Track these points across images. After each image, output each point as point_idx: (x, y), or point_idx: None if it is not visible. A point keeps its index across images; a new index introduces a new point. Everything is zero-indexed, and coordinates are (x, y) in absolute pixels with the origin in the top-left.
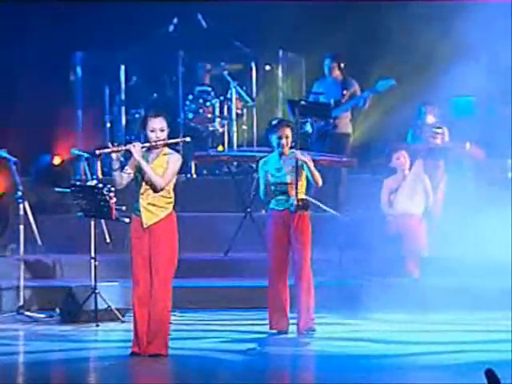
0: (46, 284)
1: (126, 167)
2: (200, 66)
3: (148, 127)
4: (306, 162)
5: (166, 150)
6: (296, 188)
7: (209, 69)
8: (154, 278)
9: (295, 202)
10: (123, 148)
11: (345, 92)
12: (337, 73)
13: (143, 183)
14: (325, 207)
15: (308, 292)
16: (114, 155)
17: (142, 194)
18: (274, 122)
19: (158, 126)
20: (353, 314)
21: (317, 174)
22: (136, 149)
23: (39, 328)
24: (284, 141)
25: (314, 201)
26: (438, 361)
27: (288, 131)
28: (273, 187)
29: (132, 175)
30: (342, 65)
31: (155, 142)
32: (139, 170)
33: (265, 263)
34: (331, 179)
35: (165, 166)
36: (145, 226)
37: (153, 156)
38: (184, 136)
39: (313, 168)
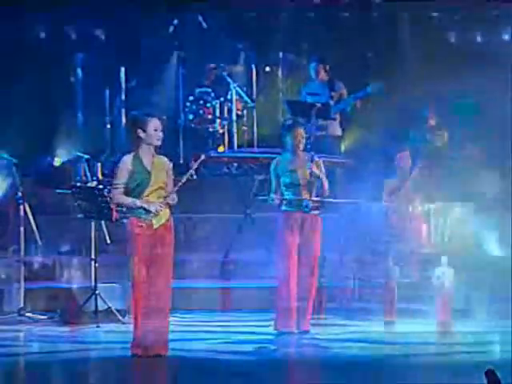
0: (46, 285)
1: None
2: (205, 65)
3: (151, 126)
4: (319, 177)
5: (153, 149)
6: (310, 189)
7: (213, 68)
8: (156, 279)
9: (310, 203)
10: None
11: (333, 94)
12: (323, 75)
13: (149, 187)
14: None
15: (310, 293)
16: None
17: (147, 196)
18: (289, 123)
19: (159, 126)
20: (353, 315)
21: (326, 185)
22: (159, 208)
23: (40, 329)
24: (300, 141)
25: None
26: (438, 361)
27: (303, 132)
28: (284, 188)
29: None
30: (328, 67)
31: (172, 197)
32: (139, 173)
33: (265, 264)
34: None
35: (165, 169)
36: (155, 226)
37: (149, 157)
38: (188, 168)
39: (324, 179)
